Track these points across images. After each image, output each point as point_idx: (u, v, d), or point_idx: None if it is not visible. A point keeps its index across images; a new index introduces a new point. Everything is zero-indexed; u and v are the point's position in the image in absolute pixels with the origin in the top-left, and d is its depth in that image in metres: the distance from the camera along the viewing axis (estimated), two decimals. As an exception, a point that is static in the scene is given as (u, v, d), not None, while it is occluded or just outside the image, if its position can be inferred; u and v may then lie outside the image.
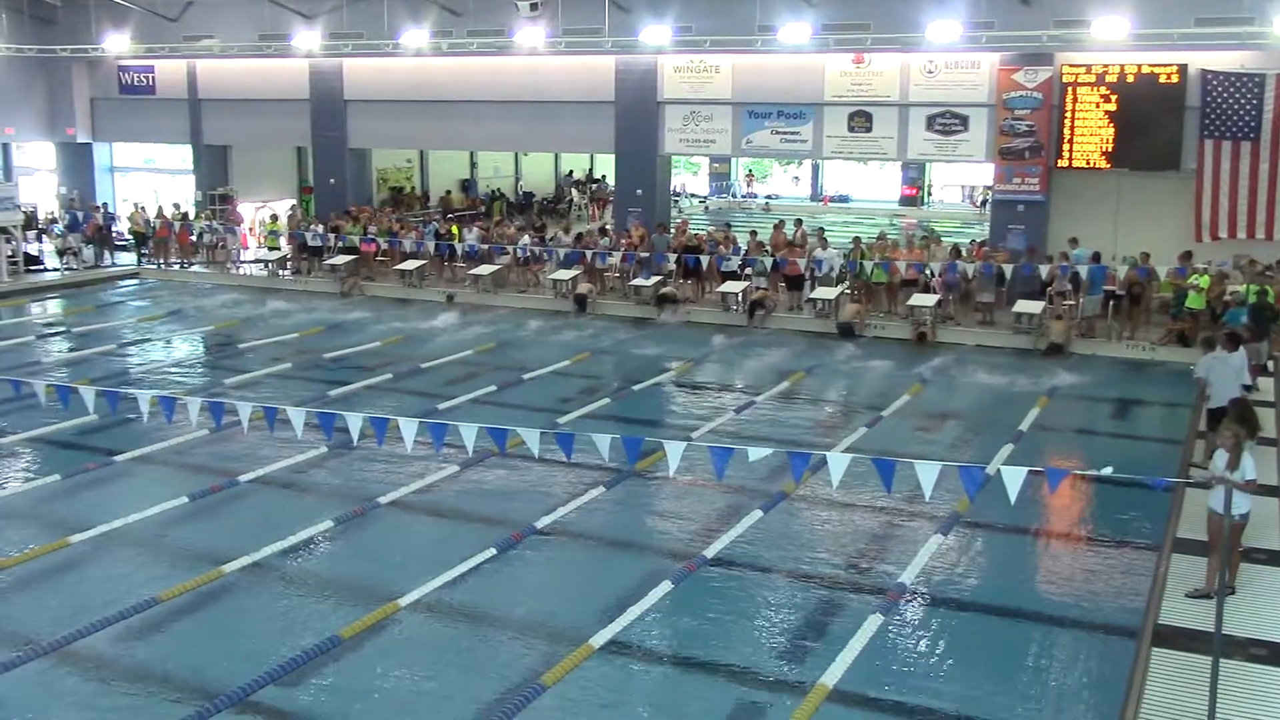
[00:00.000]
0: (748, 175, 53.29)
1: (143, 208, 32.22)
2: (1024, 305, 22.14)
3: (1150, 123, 23.33)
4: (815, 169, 51.57)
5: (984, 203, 40.22)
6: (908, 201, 47.45)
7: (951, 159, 27.55)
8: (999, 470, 11.99)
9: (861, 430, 16.07)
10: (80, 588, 10.91)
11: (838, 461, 10.60)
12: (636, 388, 18.68)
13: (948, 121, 25.52)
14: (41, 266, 29.85)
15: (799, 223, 28.05)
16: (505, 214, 38.45)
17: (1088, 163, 24.12)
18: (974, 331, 22.60)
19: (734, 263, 25.11)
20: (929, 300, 22.72)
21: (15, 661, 9.07)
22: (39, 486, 13.55)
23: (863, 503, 13.18)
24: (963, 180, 48.14)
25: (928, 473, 10.25)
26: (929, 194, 48.68)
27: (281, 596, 10.89)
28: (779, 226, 27.85)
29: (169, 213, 32.13)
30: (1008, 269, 22.67)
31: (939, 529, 12.25)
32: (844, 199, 49.59)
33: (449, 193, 40.90)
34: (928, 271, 23.55)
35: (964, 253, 24.53)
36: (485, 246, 27.34)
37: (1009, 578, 11.51)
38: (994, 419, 17.24)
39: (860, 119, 26.28)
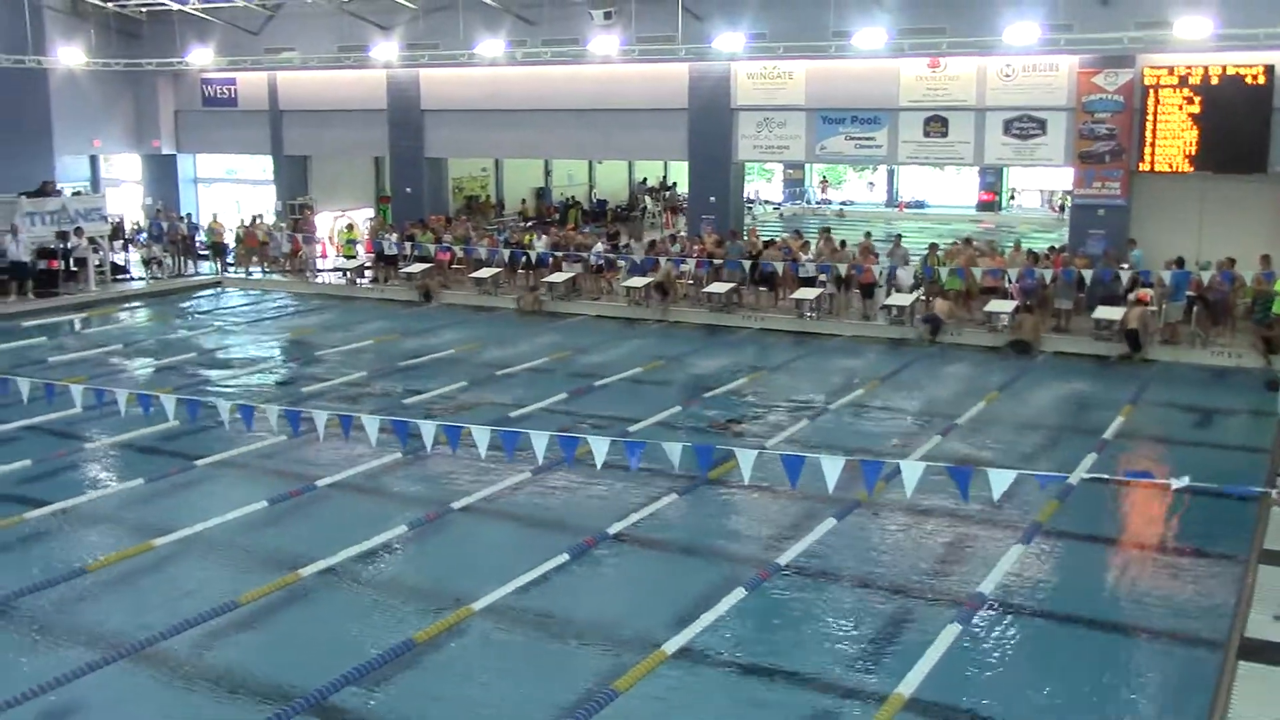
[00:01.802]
0: (822, 181, 53.02)
1: (219, 219, 32.89)
2: (1104, 311, 21.74)
3: (1235, 125, 22.82)
4: (890, 174, 51.17)
5: (1063, 208, 39.60)
6: (985, 207, 46.91)
7: (1030, 164, 27.22)
8: (1080, 479, 11.88)
9: (935, 438, 15.86)
10: (162, 590, 11.12)
11: (912, 471, 10.51)
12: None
13: (1025, 125, 25.19)
14: (128, 275, 30.54)
15: (868, 235, 27.67)
16: (580, 221, 38.58)
17: (1170, 166, 23.64)
18: (1052, 338, 22.21)
19: (809, 269, 24.97)
20: (1007, 306, 22.41)
21: (99, 663, 9.26)
22: (124, 491, 13.83)
23: (940, 511, 12.99)
24: (1041, 185, 47.46)
25: (1001, 480, 10.14)
26: (1007, 199, 48.04)
27: (357, 600, 11.00)
28: (826, 233, 27.52)
29: (249, 223, 32.76)
30: (1087, 274, 22.27)
31: (1019, 538, 12.04)
32: (920, 205, 49.12)
33: (524, 201, 41.21)
34: (1006, 278, 23.21)
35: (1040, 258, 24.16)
36: (559, 254, 27.46)
37: (1090, 588, 11.28)
38: (1076, 426, 16.94)
39: (936, 124, 26.03)
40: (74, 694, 8.84)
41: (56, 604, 10.67)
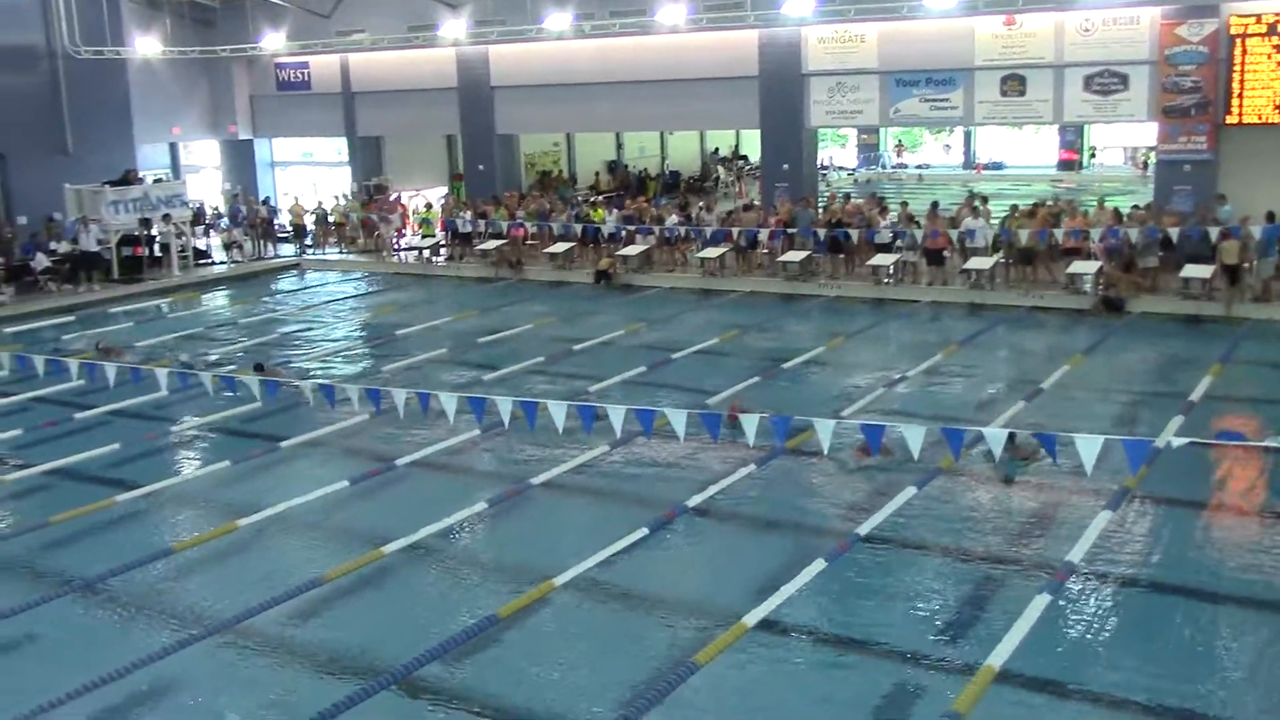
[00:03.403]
0: (897, 145, 52.25)
1: (300, 202, 33.35)
2: (1192, 270, 21.17)
3: (1329, 72, 22.02)
4: (967, 136, 50.26)
5: (1147, 164, 38.63)
6: (1066, 166, 45.90)
7: (1111, 120, 26.53)
8: (1169, 443, 11.57)
9: (1019, 404, 15.57)
10: (249, 569, 11.31)
11: (995, 437, 10.34)
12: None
13: (1106, 81, 24.53)
14: (209, 260, 31.06)
15: (935, 205, 26.97)
16: (659, 194, 38.36)
17: (1260, 118, 22.88)
18: (1138, 298, 21.66)
19: (885, 235, 24.61)
20: (1090, 267, 21.91)
21: (189, 640, 9.44)
22: (210, 472, 14.08)
23: (1024, 477, 12.76)
24: (1124, 141, 46.31)
25: (1090, 447, 9.92)
26: (1089, 157, 46.99)
27: (439, 576, 11.10)
28: (905, 206, 26.86)
29: (329, 205, 33.17)
30: (1173, 232, 21.68)
31: (1107, 504, 11.77)
32: (998, 166, 48.20)
33: (597, 174, 41.15)
34: (1089, 237, 22.67)
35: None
36: (632, 228, 27.38)
37: (1181, 554, 10.99)
38: (1163, 389, 16.55)
39: (1013, 82, 25.46)
40: (166, 670, 9.02)
41: (147, 583, 10.90)
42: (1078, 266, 22.08)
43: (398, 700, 8.59)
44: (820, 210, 26.73)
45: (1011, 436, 12.20)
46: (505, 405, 12.13)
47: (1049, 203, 25.95)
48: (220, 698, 8.85)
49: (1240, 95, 22.92)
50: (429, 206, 32.23)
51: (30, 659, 9.53)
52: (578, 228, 27.85)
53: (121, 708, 8.59)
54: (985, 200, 26.05)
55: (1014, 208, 25.06)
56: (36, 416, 16.50)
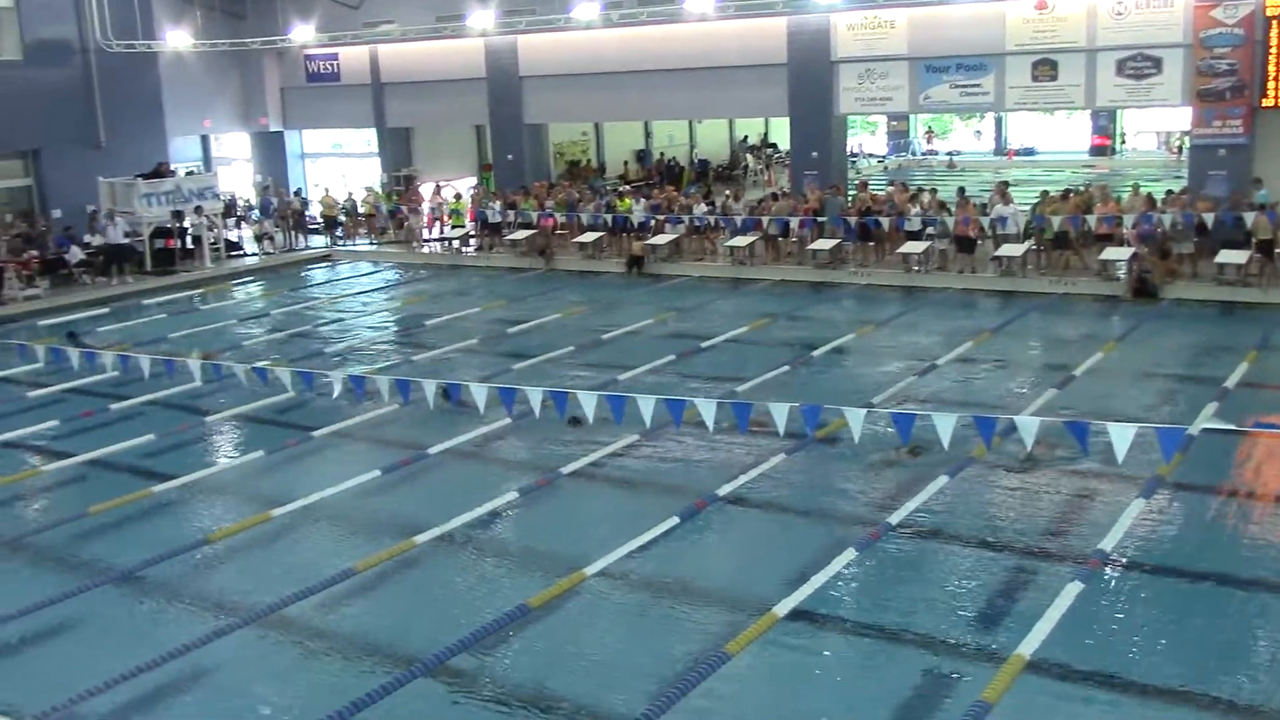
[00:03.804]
0: (927, 132, 51.93)
1: (330, 193, 33.53)
2: (1228, 255, 20.96)
3: (1367, 54, 21.72)
4: (998, 122, 49.91)
5: (1181, 149, 38.25)
6: (1098, 151, 45.50)
7: (1145, 104, 26.30)
8: (1203, 430, 11.49)
9: (1051, 391, 15.47)
10: (282, 559, 11.41)
11: (1028, 425, 10.29)
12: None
13: (1140, 65, 24.29)
14: (241, 251, 31.27)
15: (962, 190, 26.80)
16: (691, 182, 38.23)
17: (1297, 101, 22.62)
18: (1172, 284, 21.47)
19: (915, 223, 24.49)
20: (1123, 254, 21.73)
21: (224, 629, 9.54)
22: (244, 462, 14.19)
23: (1056, 466, 12.69)
24: (1157, 126, 45.85)
25: (1123, 435, 9.87)
26: (1121, 142, 46.57)
27: (471, 566, 11.15)
28: (934, 193, 26.73)
29: (359, 196, 33.31)
30: (1208, 218, 21.46)
31: (1140, 492, 11.69)
32: (1030, 152, 47.84)
33: (626, 164, 41.11)
34: (1121, 224, 22.46)
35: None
36: (661, 217, 27.35)
37: (1215, 542, 10.91)
38: (1197, 375, 16.41)
39: (1045, 67, 25.25)
40: (202, 659, 9.11)
41: (183, 573, 11.01)
42: (1111, 253, 21.91)
43: (430, 689, 8.64)
44: (850, 200, 26.60)
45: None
46: (535, 395, 12.17)
47: (1081, 189, 25.71)
48: (254, 687, 8.93)
49: (1277, 78, 22.64)
50: (458, 197, 32.29)
51: (69, 648, 9.64)
52: (607, 217, 27.86)
53: (157, 696, 8.68)
54: (1006, 186, 25.80)
55: (1044, 194, 24.88)
56: (73, 407, 16.69)
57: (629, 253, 26.67)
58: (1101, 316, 20.46)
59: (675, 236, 26.92)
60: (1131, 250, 21.74)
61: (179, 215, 28.72)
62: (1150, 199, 23.42)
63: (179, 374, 15.80)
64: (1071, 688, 8.44)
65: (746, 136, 47.06)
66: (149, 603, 10.46)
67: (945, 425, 10.66)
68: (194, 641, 9.23)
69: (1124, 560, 10.42)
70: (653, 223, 27.24)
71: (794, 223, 25.43)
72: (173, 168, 30.89)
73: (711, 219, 26.85)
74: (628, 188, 35.75)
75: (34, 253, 26.39)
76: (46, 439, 15.40)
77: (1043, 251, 23.35)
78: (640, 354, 18.55)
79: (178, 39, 32.40)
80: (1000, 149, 49.33)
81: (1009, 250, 22.98)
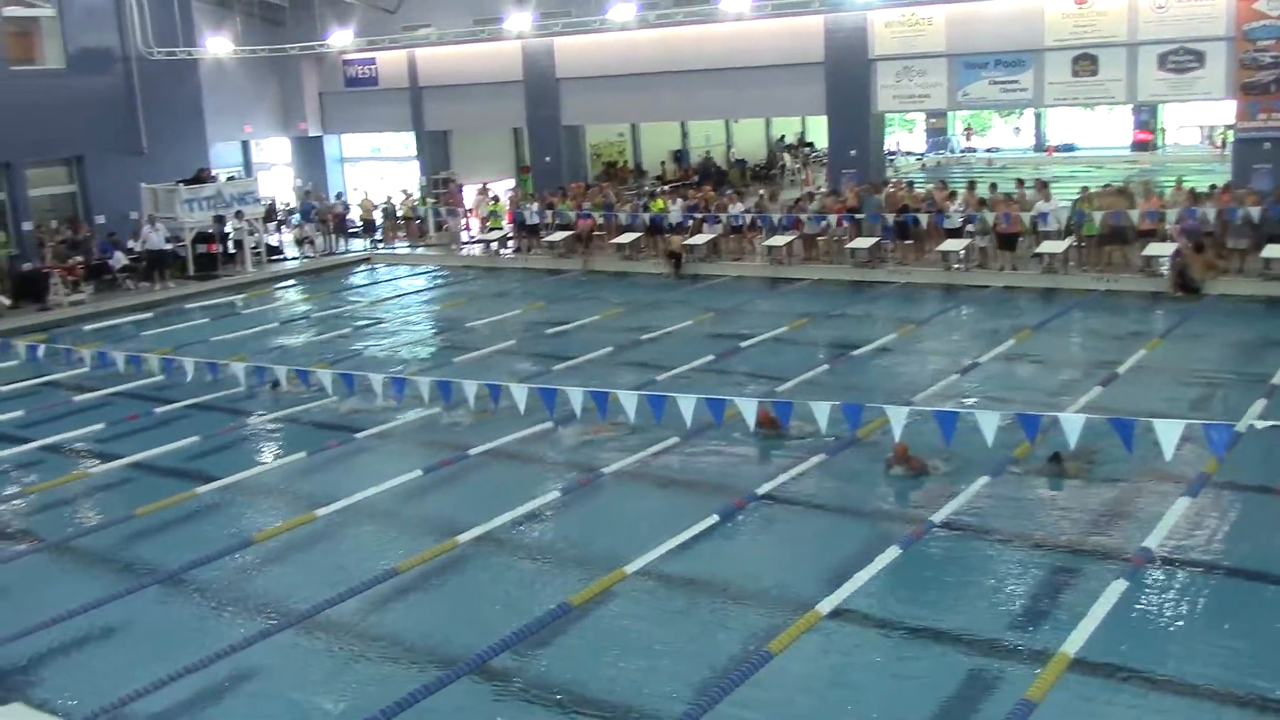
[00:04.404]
0: (966, 129, 51.63)
1: (369, 197, 33.78)
2: (1273, 250, 20.69)
3: None
4: (1038, 118, 49.55)
5: (1224, 143, 37.79)
6: (1140, 147, 45.06)
7: (1187, 98, 25.98)
8: (1251, 427, 11.34)
9: (1096, 389, 15.32)
10: (326, 559, 11.49)
11: (1071, 423, 10.19)
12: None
13: (1182, 59, 24.04)
14: (281, 255, 31.54)
15: (994, 187, 26.65)
16: (741, 180, 38.07)
17: (1342, 92, 22.32)
18: (1217, 280, 21.21)
19: (955, 220, 24.33)
20: (1166, 250, 21.50)
21: (269, 630, 9.61)
22: (287, 464, 14.29)
23: (1101, 463, 12.55)
24: (1200, 120, 45.35)
25: (1169, 432, 9.75)
26: (1163, 137, 46.08)
27: (513, 565, 11.18)
28: (971, 186, 26.51)
29: (398, 200, 33.51)
30: (1254, 212, 21.18)
31: (1186, 490, 11.56)
32: (1070, 148, 47.44)
33: (663, 164, 41.10)
34: (1164, 219, 22.21)
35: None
36: (699, 216, 27.32)
37: (1263, 541, 10.76)
38: (1244, 371, 16.21)
39: (1085, 62, 25.05)
40: (247, 660, 9.18)
41: (228, 574, 11.11)
42: (1154, 248, 21.68)
43: (474, 689, 8.67)
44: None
45: (1056, 455, 12.17)
46: (576, 396, 12.19)
47: (1120, 185, 25.45)
48: (298, 688, 8.98)
49: (1322, 70, 22.36)
50: (496, 200, 32.42)
51: (116, 649, 9.74)
52: (645, 217, 27.85)
53: (203, 698, 8.74)
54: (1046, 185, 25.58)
55: (1084, 190, 24.65)
56: (118, 410, 16.88)
57: (667, 250, 26.65)
58: (1145, 313, 20.27)
59: (713, 236, 26.89)
60: (1175, 246, 21.50)
61: (220, 220, 29.00)
62: (1193, 194, 23.16)
63: (223, 377, 15.92)
64: (1115, 686, 8.35)
65: (784, 136, 46.95)
66: (195, 604, 10.56)
67: (989, 423, 10.57)
68: (239, 643, 9.30)
69: (1170, 558, 10.29)
70: (690, 222, 27.22)
71: (831, 220, 25.33)
72: (214, 173, 31.18)
73: (748, 218, 26.81)
74: (666, 188, 35.73)
75: (79, 258, 26.75)
76: (93, 441, 15.58)
77: (1084, 248, 23.13)
78: (680, 354, 18.54)
79: (218, 46, 32.74)
80: (1040, 145, 48.95)
81: (1050, 247, 22.79)
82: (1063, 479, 12.26)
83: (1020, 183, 26.12)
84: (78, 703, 8.55)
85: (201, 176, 29.93)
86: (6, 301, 24.93)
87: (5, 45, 27.72)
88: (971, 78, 26.47)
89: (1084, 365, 17.34)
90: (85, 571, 11.43)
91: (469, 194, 34.32)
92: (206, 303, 26.17)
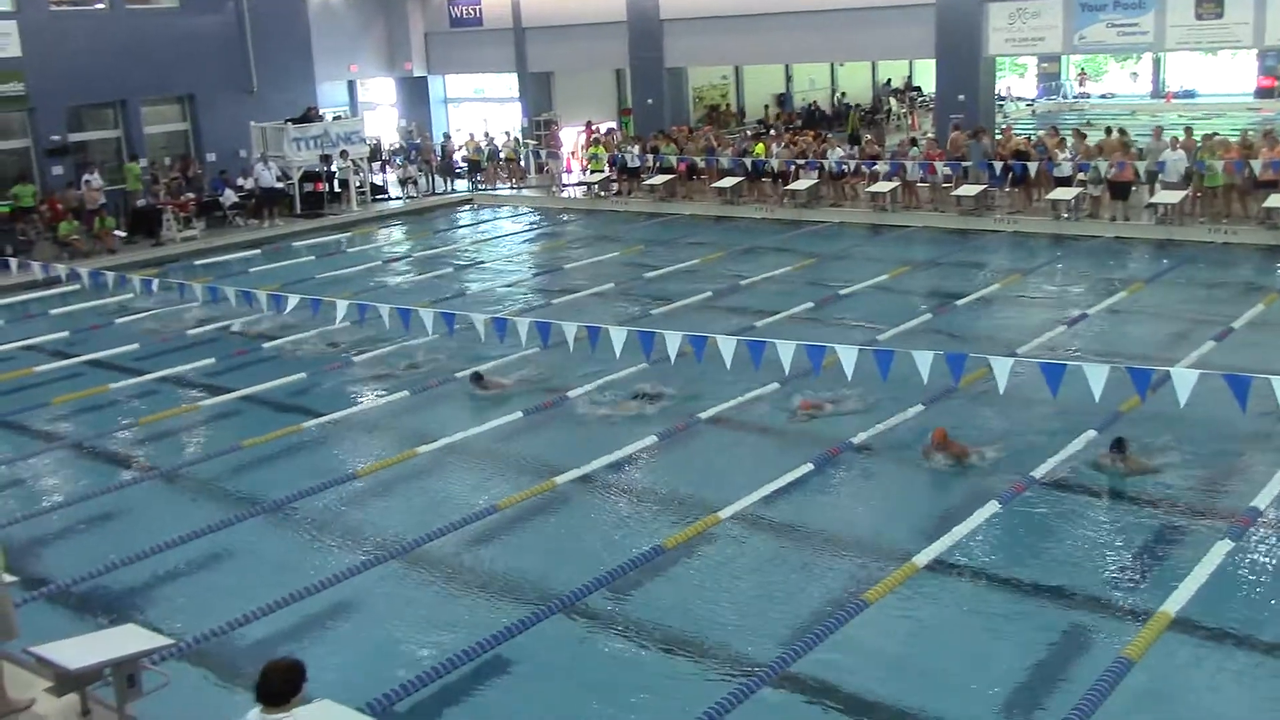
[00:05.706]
0: (1080, 74, 50.11)
1: (473, 137, 33.95)
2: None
3: None
4: (1156, 63, 47.87)
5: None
6: (1265, 94, 43.32)
7: (1318, 43, 24.89)
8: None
9: (1209, 344, 14.87)
10: (427, 495, 11.71)
11: (1183, 379, 9.94)
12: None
13: (1315, 0, 22.95)
14: (386, 195, 31.91)
15: (1109, 130, 25.71)
16: (856, 125, 37.43)
17: None
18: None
19: (1065, 168, 23.68)
20: (1284, 201, 20.72)
21: (370, 562, 9.84)
22: (391, 402, 14.53)
23: (1210, 421, 12.15)
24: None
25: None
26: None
27: (609, 507, 11.30)
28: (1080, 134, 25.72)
29: (500, 140, 33.63)
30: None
31: (1298, 452, 11.22)
32: (1189, 94, 45.81)
33: (766, 108, 40.63)
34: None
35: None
36: (801, 162, 26.98)
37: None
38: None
39: (1210, 4, 24.05)
40: (347, 591, 9.41)
41: (331, 506, 11.38)
42: (1274, 200, 20.89)
43: (567, 626, 8.80)
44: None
45: (1120, 443, 11.34)
46: (673, 340, 12.18)
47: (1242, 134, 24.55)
48: (395, 620, 9.20)
49: None
50: (597, 142, 32.36)
51: (222, 576, 10.07)
52: (746, 162, 27.57)
53: (304, 626, 8.99)
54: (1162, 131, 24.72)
55: (1206, 138, 23.79)
56: (228, 346, 17.32)
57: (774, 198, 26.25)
58: (1263, 267, 19.61)
59: (814, 182, 26.55)
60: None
61: (327, 159, 29.40)
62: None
63: (325, 314, 16.18)
64: (1215, 646, 8.21)
65: (890, 79, 46.04)
66: (298, 535, 10.85)
67: (1097, 377, 10.35)
68: (341, 574, 9.54)
69: (1278, 520, 10.01)
70: (792, 167, 26.91)
71: (939, 167, 24.83)
72: (321, 113, 31.57)
73: (852, 164, 26.40)
74: (772, 132, 35.32)
75: (191, 195, 27.35)
76: (204, 375, 16.01)
77: (1201, 198, 22.38)
78: (778, 300, 18.41)
79: (326, -15, 32.98)
80: (1158, 92, 47.35)
81: (1166, 197, 22.09)
82: (1123, 477, 11.20)
83: (1122, 131, 25.29)
84: (184, 626, 8.84)
85: (309, 116, 30.31)
86: (122, 234, 25.64)
87: (121, -16, 28.27)
88: (1089, 20, 25.61)
89: (1197, 319, 16.82)
90: (194, 500, 11.80)
91: (567, 136, 34.25)
92: (312, 241, 26.62)
